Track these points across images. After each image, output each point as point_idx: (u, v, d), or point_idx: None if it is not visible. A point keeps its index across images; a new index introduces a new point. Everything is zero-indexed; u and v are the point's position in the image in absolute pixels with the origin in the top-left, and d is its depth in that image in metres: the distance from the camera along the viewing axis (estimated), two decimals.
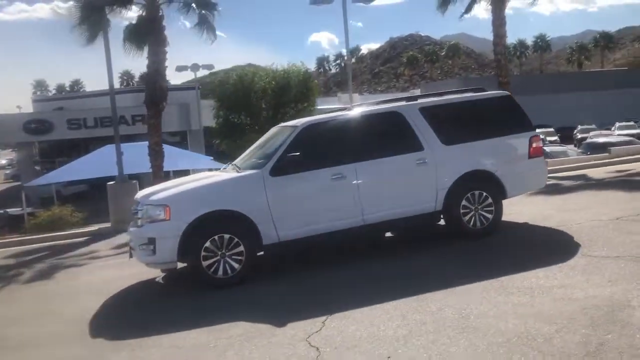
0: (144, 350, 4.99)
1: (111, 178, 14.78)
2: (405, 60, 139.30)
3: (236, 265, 6.69)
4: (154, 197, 6.88)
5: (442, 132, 7.61)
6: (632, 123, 41.28)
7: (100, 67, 14.89)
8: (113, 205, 14.57)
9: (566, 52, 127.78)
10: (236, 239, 6.68)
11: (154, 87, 16.93)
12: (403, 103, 8.00)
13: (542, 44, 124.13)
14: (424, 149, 7.49)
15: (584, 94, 55.22)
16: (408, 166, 7.46)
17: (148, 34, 15.01)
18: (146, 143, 15.39)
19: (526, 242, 7.50)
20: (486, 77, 77.98)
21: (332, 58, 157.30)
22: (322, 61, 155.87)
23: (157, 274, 7.60)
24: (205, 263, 6.59)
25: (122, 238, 11.36)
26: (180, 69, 34.71)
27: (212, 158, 19.56)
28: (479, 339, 4.26)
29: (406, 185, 7.47)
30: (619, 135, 31.25)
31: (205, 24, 16.08)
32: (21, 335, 5.89)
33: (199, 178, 7.40)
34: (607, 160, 16.82)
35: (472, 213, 7.62)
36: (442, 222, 7.91)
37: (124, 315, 6.33)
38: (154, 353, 4.90)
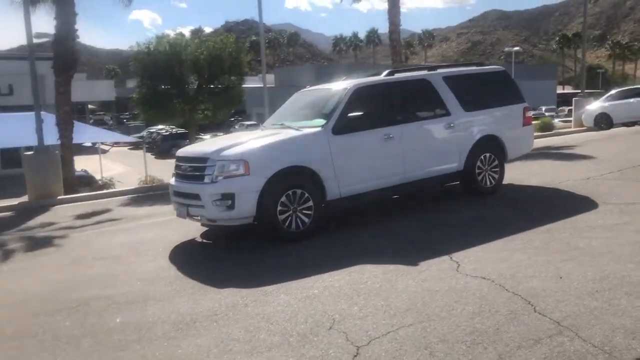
0: (290, 294, 5.10)
1: None
2: (248, 45, 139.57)
3: (306, 220, 6.90)
4: (229, 153, 6.76)
5: (463, 100, 8.42)
6: None
7: None
8: (32, 178, 13.30)
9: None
10: (307, 194, 6.88)
11: (64, 51, 15.65)
12: (426, 72, 8.67)
13: (374, 38, 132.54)
14: (451, 114, 8.27)
15: None
16: (440, 130, 8.18)
17: None
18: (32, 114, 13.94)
19: (538, 198, 8.46)
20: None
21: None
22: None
23: (186, 235, 7.58)
24: (280, 217, 6.71)
25: (56, 212, 10.81)
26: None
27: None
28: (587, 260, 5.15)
29: (439, 147, 8.18)
30: None
31: None
32: (118, 295, 5.56)
33: (261, 135, 7.34)
34: None
35: (483, 173, 8.57)
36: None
37: (220, 269, 6.22)
38: (307, 295, 5.03)
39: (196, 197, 6.82)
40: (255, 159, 6.67)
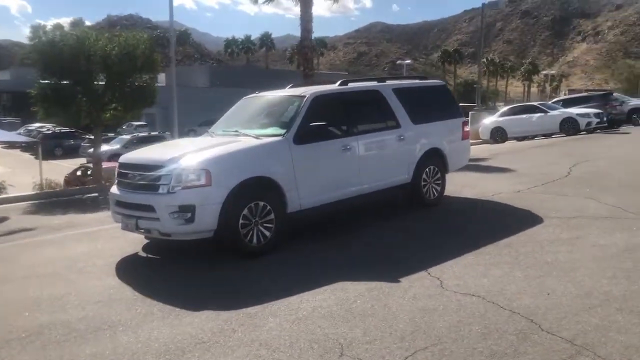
0: (279, 316, 4.79)
1: None
2: None
3: (267, 233, 6.56)
4: (188, 161, 6.25)
5: (410, 112, 8.47)
6: None
7: None
8: None
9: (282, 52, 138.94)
10: (269, 207, 6.54)
11: None
12: (377, 83, 8.62)
13: (267, 42, 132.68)
14: (401, 126, 8.28)
15: None
16: (392, 142, 8.14)
17: None
18: None
19: (483, 211, 8.61)
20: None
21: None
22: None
23: (124, 249, 6.97)
24: (242, 231, 6.32)
25: None
26: None
27: None
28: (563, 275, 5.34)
29: (391, 159, 8.14)
30: None
31: None
32: (74, 320, 4.92)
33: (218, 143, 6.85)
34: None
35: (428, 185, 8.68)
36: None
37: (184, 289, 5.67)
38: (297, 317, 4.74)
39: (149, 208, 6.23)
40: (218, 169, 6.22)
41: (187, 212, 6.06)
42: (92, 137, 17.88)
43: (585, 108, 23.00)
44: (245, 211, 6.31)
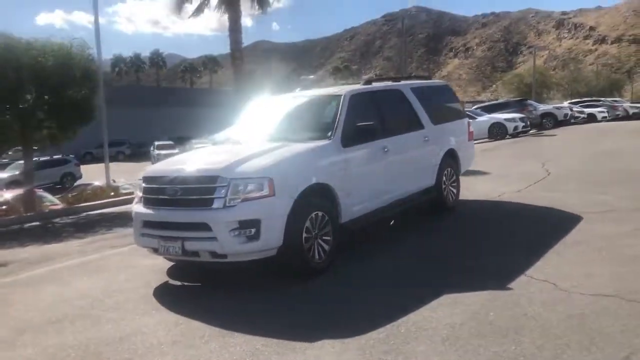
0: (420, 338, 4.12)
1: None
2: None
3: (327, 247, 5.82)
4: (246, 169, 5.37)
5: (428, 112, 8.07)
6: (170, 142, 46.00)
7: None
8: None
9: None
10: (327, 217, 5.82)
11: None
12: (393, 83, 8.14)
13: (158, 61, 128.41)
14: (424, 127, 7.84)
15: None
16: (421, 143, 7.69)
17: None
18: None
19: (509, 213, 8.33)
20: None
21: None
22: None
23: (149, 278, 5.97)
24: (305, 246, 5.54)
25: None
26: None
27: None
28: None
29: (421, 161, 7.69)
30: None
31: None
32: None
33: (268, 149, 5.91)
34: None
35: (447, 188, 8.31)
36: None
37: (263, 320, 4.81)
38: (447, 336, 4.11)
39: (201, 227, 5.26)
40: (280, 176, 5.40)
41: (250, 228, 5.19)
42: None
43: (507, 113, 24.03)
44: (307, 223, 5.55)
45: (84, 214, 12.71)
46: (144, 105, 58.00)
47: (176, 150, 48.58)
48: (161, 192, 5.62)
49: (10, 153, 39.50)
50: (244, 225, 5.19)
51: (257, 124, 7.26)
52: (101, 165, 19.04)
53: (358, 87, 7.27)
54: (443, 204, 8.19)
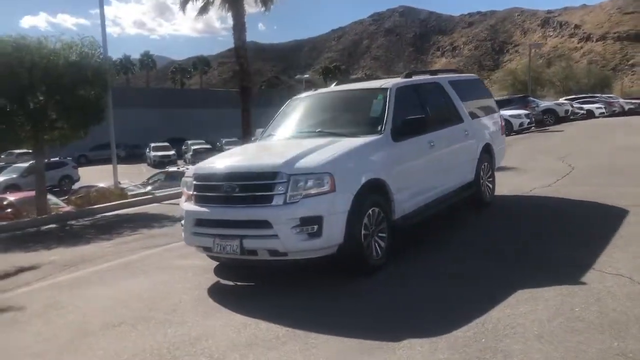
0: (512, 336, 3.98)
1: None
2: None
3: (383, 244, 5.66)
4: (306, 164, 5.19)
5: (467, 106, 7.93)
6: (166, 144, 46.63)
7: None
8: None
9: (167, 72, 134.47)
10: (382, 213, 5.66)
11: None
12: (431, 76, 7.98)
13: (148, 62, 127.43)
14: (464, 121, 7.71)
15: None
16: (462, 137, 7.55)
17: None
18: None
19: (543, 207, 8.21)
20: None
21: None
22: None
23: (199, 279, 5.79)
24: (364, 243, 5.38)
25: None
26: None
27: None
28: None
29: (463, 155, 7.55)
30: None
31: None
32: None
33: (321, 144, 5.71)
34: None
35: (484, 183, 8.17)
36: None
37: (343, 318, 4.63)
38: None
39: (262, 224, 5.08)
40: (341, 171, 5.23)
41: (312, 224, 5.02)
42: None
43: (511, 110, 24.00)
44: (365, 219, 5.40)
45: (99, 215, 12.42)
46: (138, 106, 57.67)
47: (172, 152, 48.64)
48: (217, 190, 5.43)
49: (3, 156, 39.08)
50: (305, 222, 5.02)
51: (299, 119, 7.08)
52: (97, 168, 18.80)
53: (402, 80, 7.09)
54: (481, 200, 8.05)
